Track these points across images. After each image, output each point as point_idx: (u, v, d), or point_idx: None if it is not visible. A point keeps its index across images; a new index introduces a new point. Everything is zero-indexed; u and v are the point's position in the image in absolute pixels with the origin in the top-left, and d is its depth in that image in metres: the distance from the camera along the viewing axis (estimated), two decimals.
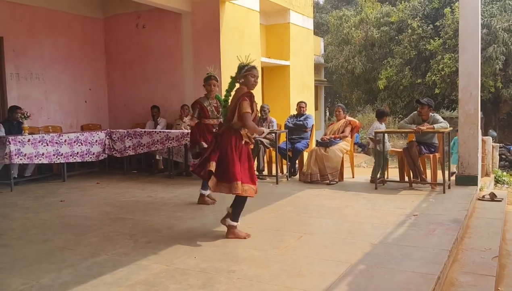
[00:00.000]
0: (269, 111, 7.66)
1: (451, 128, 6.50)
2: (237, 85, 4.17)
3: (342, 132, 7.33)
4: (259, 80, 9.33)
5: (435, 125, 6.16)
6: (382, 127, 7.06)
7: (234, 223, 4.09)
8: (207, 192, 5.46)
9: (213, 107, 5.58)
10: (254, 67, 4.12)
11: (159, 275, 3.23)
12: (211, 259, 3.53)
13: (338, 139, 7.13)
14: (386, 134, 6.83)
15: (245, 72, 4.07)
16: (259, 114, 6.00)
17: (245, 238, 4.04)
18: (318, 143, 7.18)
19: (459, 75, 6.54)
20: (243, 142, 4.04)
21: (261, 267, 3.36)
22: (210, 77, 5.52)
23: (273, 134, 7.22)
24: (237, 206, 4.09)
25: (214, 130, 5.36)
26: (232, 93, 4.22)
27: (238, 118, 3.99)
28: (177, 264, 3.44)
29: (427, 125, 6.20)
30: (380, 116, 7.22)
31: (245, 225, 4.48)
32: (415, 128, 6.21)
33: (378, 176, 6.68)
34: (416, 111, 6.62)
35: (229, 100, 4.23)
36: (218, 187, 4.03)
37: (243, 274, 3.23)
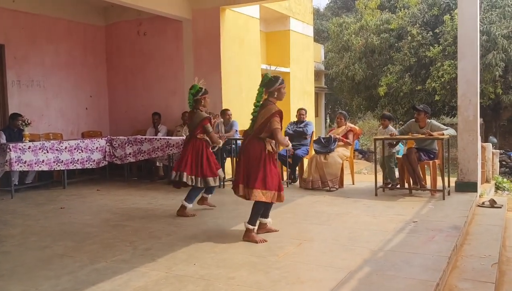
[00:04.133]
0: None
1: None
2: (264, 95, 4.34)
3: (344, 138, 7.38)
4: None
5: (445, 132, 6.17)
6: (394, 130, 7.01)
7: (251, 226, 4.21)
8: (191, 205, 5.33)
9: None
10: (283, 80, 4.34)
11: (159, 282, 3.24)
12: (210, 266, 3.54)
13: (337, 140, 7.15)
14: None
15: (279, 85, 4.26)
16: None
17: (258, 242, 4.13)
18: (316, 151, 7.19)
19: (458, 82, 6.56)
20: (267, 151, 4.23)
21: (260, 273, 3.36)
22: (206, 90, 5.37)
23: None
24: (254, 210, 4.25)
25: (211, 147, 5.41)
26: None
27: (267, 132, 4.22)
28: (176, 271, 3.44)
29: (438, 132, 6.19)
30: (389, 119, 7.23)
31: (244, 231, 4.48)
32: (425, 133, 6.20)
33: (387, 180, 6.76)
34: (412, 119, 6.63)
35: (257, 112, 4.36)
36: (242, 191, 4.26)
37: (243, 280, 3.23)
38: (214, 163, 5.40)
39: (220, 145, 5.75)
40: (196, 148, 5.30)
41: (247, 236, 4.19)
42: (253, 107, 4.38)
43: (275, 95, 4.29)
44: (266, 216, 4.41)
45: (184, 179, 5.22)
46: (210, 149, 5.43)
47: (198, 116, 5.34)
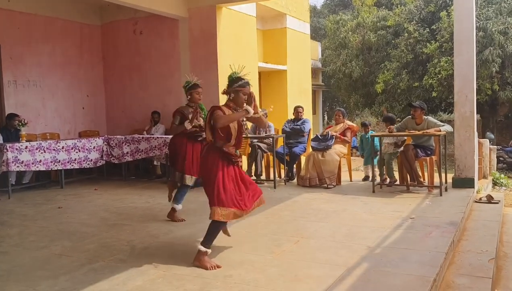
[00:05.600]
0: None
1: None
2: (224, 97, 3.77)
3: (342, 135, 7.39)
4: (257, 85, 9.38)
5: (441, 128, 6.18)
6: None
7: (203, 248, 3.54)
8: (180, 206, 5.04)
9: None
10: (248, 83, 3.71)
11: (156, 281, 3.24)
12: None
13: (333, 138, 7.15)
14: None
15: (237, 87, 3.66)
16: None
17: (209, 269, 3.44)
18: (313, 149, 7.20)
19: (455, 78, 6.57)
20: (229, 160, 3.62)
21: (258, 271, 3.37)
22: (198, 85, 5.09)
23: (271, 139, 7.26)
24: (209, 231, 3.61)
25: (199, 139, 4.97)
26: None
27: (218, 137, 3.60)
28: (174, 270, 3.45)
29: (435, 129, 6.20)
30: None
31: (242, 230, 4.50)
32: (421, 132, 6.21)
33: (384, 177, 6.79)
34: (409, 116, 6.64)
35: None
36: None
37: (240, 278, 3.23)
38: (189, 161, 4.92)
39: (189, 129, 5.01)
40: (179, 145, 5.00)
41: (197, 260, 3.51)
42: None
43: (231, 98, 3.68)
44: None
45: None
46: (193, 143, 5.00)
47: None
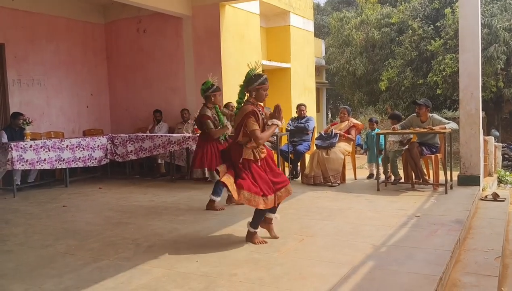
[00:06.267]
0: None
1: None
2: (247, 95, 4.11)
3: (347, 133, 7.36)
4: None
5: (446, 126, 6.14)
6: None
7: (252, 229, 4.07)
8: (218, 199, 5.42)
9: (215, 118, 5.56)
10: (267, 80, 4.06)
11: (161, 279, 3.24)
12: (212, 263, 3.54)
13: (337, 136, 7.13)
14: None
15: (258, 85, 4.00)
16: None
17: (256, 243, 4.00)
18: (317, 146, 7.18)
19: (460, 75, 6.53)
20: (251, 157, 3.95)
21: (262, 270, 3.36)
22: (217, 88, 5.49)
23: (275, 137, 7.24)
24: (255, 216, 4.08)
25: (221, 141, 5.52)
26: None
27: (243, 135, 3.94)
28: (178, 268, 3.44)
29: (440, 126, 6.16)
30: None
31: (246, 228, 4.48)
32: (426, 128, 6.17)
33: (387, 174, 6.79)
34: (414, 114, 6.60)
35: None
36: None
37: (245, 277, 3.23)
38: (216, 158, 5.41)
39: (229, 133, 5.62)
40: (204, 143, 5.49)
41: (248, 238, 4.08)
42: (236, 105, 4.27)
43: (253, 95, 4.01)
44: (272, 211, 4.18)
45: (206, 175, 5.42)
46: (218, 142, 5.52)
47: (201, 113, 5.49)
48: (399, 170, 6.80)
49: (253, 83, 3.99)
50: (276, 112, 4.07)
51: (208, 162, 5.40)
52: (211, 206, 5.41)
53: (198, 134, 5.82)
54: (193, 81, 8.41)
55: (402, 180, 6.71)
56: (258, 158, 4.00)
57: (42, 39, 8.45)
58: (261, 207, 3.88)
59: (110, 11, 9.50)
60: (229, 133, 5.57)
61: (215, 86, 5.47)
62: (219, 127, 5.50)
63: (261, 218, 4.08)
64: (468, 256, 3.95)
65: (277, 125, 4.04)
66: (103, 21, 9.60)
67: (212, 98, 5.46)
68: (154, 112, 8.67)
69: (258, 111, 3.98)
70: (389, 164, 6.76)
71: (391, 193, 6.14)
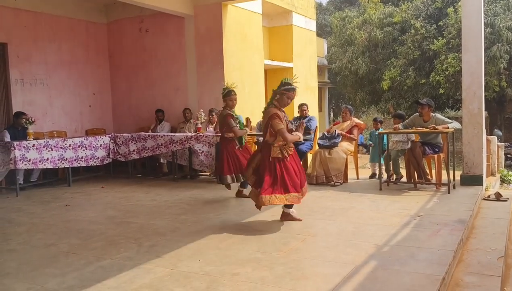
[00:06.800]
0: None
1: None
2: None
3: (349, 133, 7.36)
4: (263, 83, 9.34)
5: (449, 125, 6.13)
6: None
7: (286, 210, 4.63)
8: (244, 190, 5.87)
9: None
10: (294, 89, 4.41)
11: (163, 278, 3.24)
12: (215, 262, 3.54)
13: (340, 136, 7.13)
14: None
15: (282, 90, 4.39)
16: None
17: (296, 220, 4.60)
18: (320, 146, 7.17)
19: (463, 75, 6.51)
20: (280, 155, 4.37)
21: (265, 269, 3.36)
22: (231, 92, 5.68)
23: None
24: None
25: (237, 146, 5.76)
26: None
27: (270, 135, 4.37)
28: (181, 268, 3.44)
29: (443, 125, 6.15)
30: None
31: (249, 227, 4.49)
32: (429, 128, 6.16)
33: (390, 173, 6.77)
34: (416, 113, 6.59)
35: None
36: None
37: (247, 276, 3.23)
38: (232, 162, 5.75)
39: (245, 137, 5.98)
40: (225, 147, 5.80)
41: (284, 217, 4.64)
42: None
43: (277, 98, 4.41)
44: (289, 206, 4.65)
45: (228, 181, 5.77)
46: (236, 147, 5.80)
47: (221, 116, 5.83)
48: (401, 169, 6.79)
49: (280, 87, 4.40)
50: (299, 128, 4.59)
51: (235, 167, 5.72)
52: (240, 194, 5.94)
53: (219, 139, 6.17)
54: (195, 80, 8.41)
55: (404, 179, 6.69)
56: (286, 154, 4.39)
57: (44, 39, 8.47)
58: (289, 202, 4.39)
59: (112, 11, 9.51)
60: (246, 139, 5.93)
61: (225, 91, 5.68)
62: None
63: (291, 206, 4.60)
64: (470, 256, 3.94)
65: (299, 137, 4.53)
66: (105, 20, 9.61)
67: (229, 102, 5.69)
68: (156, 111, 8.68)
69: (281, 114, 4.39)
70: (391, 162, 6.75)
71: (393, 193, 6.13)
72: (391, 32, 16.21)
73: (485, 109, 6.59)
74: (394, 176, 6.79)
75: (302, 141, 5.18)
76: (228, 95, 5.69)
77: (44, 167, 7.05)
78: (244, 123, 6.00)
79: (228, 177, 5.73)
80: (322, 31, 24.45)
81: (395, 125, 6.59)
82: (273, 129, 4.33)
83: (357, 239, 4.05)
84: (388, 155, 6.75)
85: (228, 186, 5.96)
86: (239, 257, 3.65)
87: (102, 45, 9.57)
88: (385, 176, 6.83)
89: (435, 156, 6.33)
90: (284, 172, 4.35)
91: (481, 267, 3.69)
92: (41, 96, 8.42)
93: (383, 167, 6.92)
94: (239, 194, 6.00)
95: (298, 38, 10.61)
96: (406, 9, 16.04)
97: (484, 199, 6.09)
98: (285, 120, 4.46)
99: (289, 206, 4.60)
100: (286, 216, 4.65)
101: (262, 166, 4.47)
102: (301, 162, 7.64)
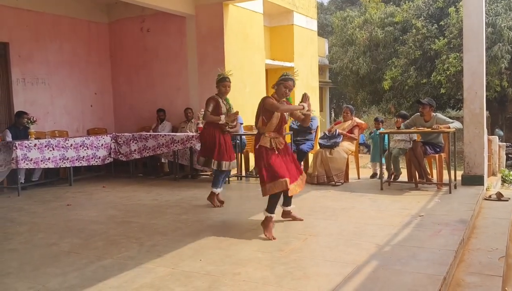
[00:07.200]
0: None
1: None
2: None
3: (350, 133, 7.36)
4: (264, 82, 9.33)
5: (451, 125, 6.13)
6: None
7: (267, 214, 4.24)
8: (219, 190, 5.57)
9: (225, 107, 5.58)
10: (291, 80, 4.30)
11: (165, 278, 3.24)
12: (216, 262, 3.54)
13: (341, 135, 7.13)
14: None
15: (280, 80, 4.29)
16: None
17: (265, 236, 4.11)
18: (321, 146, 7.18)
19: (464, 74, 6.51)
20: (268, 145, 4.22)
21: (266, 269, 3.36)
22: (225, 78, 5.52)
23: None
24: (269, 200, 4.28)
25: (227, 128, 5.55)
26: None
27: (262, 123, 4.24)
28: (182, 267, 3.45)
29: (444, 125, 6.15)
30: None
31: (249, 227, 4.50)
32: (431, 128, 6.16)
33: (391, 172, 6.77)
34: (417, 113, 6.59)
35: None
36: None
37: (248, 276, 3.23)
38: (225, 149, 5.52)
39: (222, 121, 5.55)
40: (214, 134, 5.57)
41: (263, 224, 4.23)
42: None
43: (276, 90, 4.34)
44: (287, 204, 4.59)
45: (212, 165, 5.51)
46: (225, 133, 5.57)
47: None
48: (401, 168, 6.79)
49: (279, 78, 4.33)
50: (303, 99, 4.34)
51: (223, 154, 5.48)
52: (212, 199, 5.55)
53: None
54: (197, 80, 8.41)
55: (406, 179, 6.69)
56: (275, 147, 4.24)
57: (46, 38, 8.48)
58: (276, 190, 4.11)
59: (114, 11, 9.52)
60: (227, 125, 5.59)
61: (220, 77, 5.55)
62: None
63: (274, 203, 4.24)
64: (472, 256, 3.94)
65: (303, 107, 4.28)
66: (107, 20, 9.62)
67: (222, 88, 5.52)
68: (158, 111, 8.68)
69: (270, 100, 4.25)
70: (391, 161, 6.75)
71: (394, 193, 6.13)
72: (392, 32, 16.21)
73: (486, 109, 6.59)
74: (394, 173, 6.79)
75: (308, 112, 4.47)
76: (222, 81, 5.49)
77: (46, 167, 7.06)
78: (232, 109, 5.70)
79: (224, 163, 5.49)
80: (323, 31, 24.44)
81: (397, 120, 6.60)
82: (266, 106, 4.20)
83: (358, 239, 4.05)
84: (389, 153, 6.75)
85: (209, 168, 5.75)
86: (240, 257, 3.66)
87: (103, 44, 9.57)
88: (386, 175, 6.83)
89: (436, 155, 6.33)
90: (270, 162, 4.16)
91: (482, 267, 3.69)
92: (42, 96, 8.43)
93: (384, 167, 6.92)
94: (212, 199, 5.59)
95: (299, 38, 10.60)
96: (407, 9, 16.04)
97: (485, 199, 6.09)
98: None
99: (270, 210, 4.24)
100: (264, 222, 4.26)
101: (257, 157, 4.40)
102: (302, 162, 7.70)
